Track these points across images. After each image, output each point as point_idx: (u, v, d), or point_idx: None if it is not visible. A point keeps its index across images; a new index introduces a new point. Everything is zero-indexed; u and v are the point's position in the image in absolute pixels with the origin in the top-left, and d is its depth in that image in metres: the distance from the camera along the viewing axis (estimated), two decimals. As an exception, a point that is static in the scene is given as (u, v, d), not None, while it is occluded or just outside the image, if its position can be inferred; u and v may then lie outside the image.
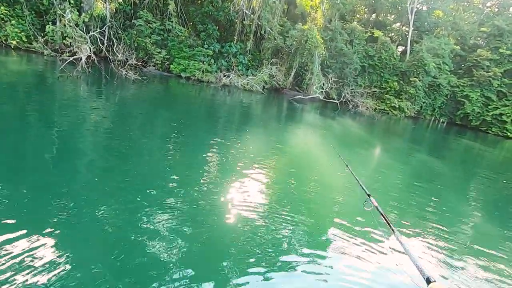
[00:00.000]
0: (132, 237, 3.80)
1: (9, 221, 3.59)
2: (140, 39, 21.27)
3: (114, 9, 20.32)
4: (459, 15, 37.50)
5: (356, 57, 29.64)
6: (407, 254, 0.65)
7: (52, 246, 3.35)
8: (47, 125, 7.53)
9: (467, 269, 4.76)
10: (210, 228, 4.41)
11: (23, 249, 3.21)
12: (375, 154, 12.91)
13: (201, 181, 5.93)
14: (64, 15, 17.66)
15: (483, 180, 11.79)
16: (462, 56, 34.37)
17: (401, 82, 32.15)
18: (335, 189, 7.28)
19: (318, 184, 7.47)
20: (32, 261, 3.10)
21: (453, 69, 33.52)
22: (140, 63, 21.13)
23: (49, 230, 3.59)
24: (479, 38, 36.12)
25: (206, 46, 24.14)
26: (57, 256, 3.23)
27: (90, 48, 17.81)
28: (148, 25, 21.56)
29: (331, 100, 28.25)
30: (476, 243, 5.76)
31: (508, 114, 31.59)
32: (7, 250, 3.16)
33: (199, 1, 26.46)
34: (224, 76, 23.99)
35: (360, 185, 1.38)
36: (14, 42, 17.99)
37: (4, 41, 17.99)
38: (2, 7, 17.71)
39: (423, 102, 33.33)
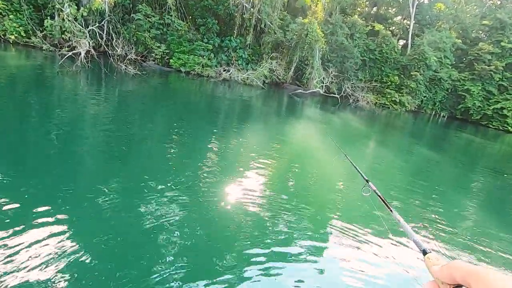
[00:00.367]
0: (133, 230, 3.84)
1: (9, 213, 3.61)
2: (139, 33, 21.14)
3: (113, 3, 20.15)
4: (461, 8, 37.14)
5: (356, 51, 29.46)
6: (404, 229, 0.67)
7: (52, 239, 3.38)
8: (48, 120, 7.53)
9: (462, 245, 4.81)
10: (211, 219, 4.44)
11: (22, 242, 3.24)
12: (375, 148, 12.91)
13: (202, 173, 5.95)
14: (63, 9, 17.53)
15: (483, 174, 11.81)
16: (463, 50, 34.14)
17: (402, 76, 32.01)
18: (335, 179, 7.31)
19: (318, 175, 7.49)
20: (36, 250, 3.13)
21: (454, 62, 33.33)
22: (139, 57, 21.03)
23: (50, 220, 3.62)
24: (481, 32, 35.84)
25: (205, 40, 24.00)
26: (57, 249, 3.26)
27: (89, 42, 17.72)
28: (147, 19, 21.39)
29: (331, 95, 28.16)
30: (475, 232, 5.82)
31: (509, 108, 31.49)
32: (5, 242, 3.19)
33: (198, -5, 26.24)
34: (224, 70, 23.89)
35: (358, 171, 1.39)
36: (13, 37, 17.89)
37: (2, 36, 17.90)
38: (0, 2, 17.58)
39: (424, 96, 33.22)
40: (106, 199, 4.36)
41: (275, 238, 4.32)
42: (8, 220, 3.50)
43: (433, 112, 35.26)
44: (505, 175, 12.19)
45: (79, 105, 9.62)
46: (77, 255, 3.25)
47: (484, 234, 5.99)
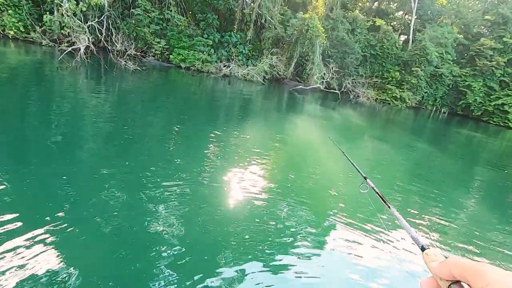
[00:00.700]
0: (134, 225, 3.85)
1: (9, 210, 3.63)
2: (139, 28, 21.02)
3: (112, -2, 20.04)
4: (463, 2, 36.86)
5: (357, 47, 29.31)
6: (402, 225, 0.67)
7: (52, 235, 3.39)
8: (48, 116, 7.52)
9: (461, 241, 4.83)
10: (211, 215, 4.46)
11: (24, 240, 3.26)
12: (375, 144, 12.89)
13: (202, 169, 5.96)
14: (62, 4, 17.41)
15: (484, 170, 11.81)
16: (465, 45, 33.94)
17: (403, 72, 31.88)
18: (335, 175, 7.32)
19: (317, 171, 7.49)
20: (33, 246, 3.15)
21: (455, 58, 33.17)
22: (139, 53, 20.94)
23: (50, 218, 3.63)
24: (483, 27, 35.60)
25: (205, 35, 23.87)
26: (56, 245, 3.28)
27: (88, 38, 17.63)
28: (147, 14, 21.25)
29: (332, 91, 28.08)
30: (475, 228, 5.84)
31: (510, 104, 31.41)
32: (5, 239, 3.20)
33: (198, -10, 26.02)
34: (224, 66, 23.80)
35: (356, 168, 1.38)
36: (12, 32, 17.81)
37: (1, 31, 17.82)
38: (-2, -3, 17.48)
39: (425, 92, 33.11)
40: (106, 192, 4.37)
41: (274, 232, 4.34)
42: (2, 219, 3.52)
43: (434, 108, 35.17)
44: (506, 171, 12.19)
45: (79, 101, 9.61)
46: (75, 253, 3.27)
47: (484, 229, 6.01)
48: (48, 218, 3.64)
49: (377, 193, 0.87)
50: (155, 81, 16.78)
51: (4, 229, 3.31)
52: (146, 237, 3.70)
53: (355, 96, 29.05)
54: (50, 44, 17.97)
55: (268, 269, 3.60)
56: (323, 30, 25.67)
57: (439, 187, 8.14)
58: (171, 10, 22.32)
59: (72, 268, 3.03)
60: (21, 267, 2.91)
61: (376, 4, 37.80)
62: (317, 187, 6.60)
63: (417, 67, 30.92)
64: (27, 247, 3.14)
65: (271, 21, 25.74)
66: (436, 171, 10.29)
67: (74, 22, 17.63)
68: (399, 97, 31.18)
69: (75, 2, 17.75)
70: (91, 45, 17.26)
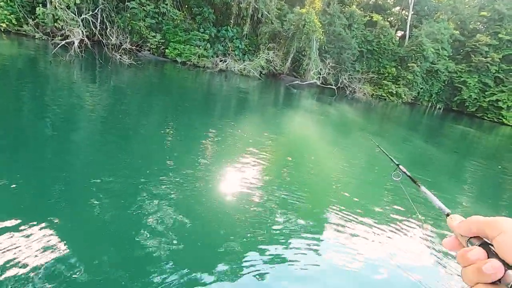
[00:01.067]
0: (129, 220, 3.85)
1: (4, 204, 3.60)
2: (134, 22, 20.75)
3: (106, -9, 19.71)
4: (460, -2, 36.92)
5: (354, 42, 29.28)
6: (430, 198, 0.73)
7: (48, 231, 3.38)
8: (41, 110, 7.44)
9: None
10: (209, 208, 4.47)
11: (19, 235, 3.24)
12: (371, 141, 12.96)
13: (198, 164, 5.95)
14: (55, -4, 17.12)
15: (477, 165, 11.95)
16: (461, 41, 34.09)
17: (399, 67, 31.97)
18: (332, 170, 7.36)
19: (315, 166, 7.53)
20: (29, 241, 3.14)
21: (451, 54, 33.32)
22: (134, 47, 20.68)
23: (45, 212, 3.61)
24: (479, 23, 35.74)
25: (202, 30, 23.65)
26: (53, 241, 3.27)
27: (82, 31, 17.37)
28: (142, 7, 20.97)
29: (328, 86, 28.08)
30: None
31: (504, 100, 31.71)
32: (2, 233, 3.19)
33: (194, -17, 25.70)
34: (220, 61, 23.64)
35: (388, 155, 1.43)
36: (4, 25, 17.49)
37: (-7, 24, 17.50)
38: (-10, -12, 17.12)
39: (421, 88, 33.29)
40: (101, 188, 4.36)
41: (272, 225, 4.37)
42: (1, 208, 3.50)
43: (429, 104, 35.41)
44: (499, 167, 12.35)
45: (73, 95, 9.50)
46: (72, 250, 3.27)
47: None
48: (42, 211, 3.63)
49: (409, 176, 0.94)
50: (150, 76, 16.64)
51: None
52: (142, 228, 3.70)
53: (352, 92, 29.10)
54: (43, 38, 17.69)
55: (268, 260, 3.63)
56: (320, 25, 25.57)
57: (435, 182, 8.23)
58: (166, 4, 22.03)
59: (69, 260, 3.03)
60: (19, 257, 2.90)
61: (373, -1, 37.72)
62: (316, 181, 6.63)
63: (413, 63, 31.01)
64: (20, 240, 3.13)
65: (268, 15, 25.56)
66: (430, 166, 10.40)
67: (68, 15, 17.35)
68: (395, 92, 31.31)
69: (68, -6, 17.46)
70: (85, 39, 17.02)
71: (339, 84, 28.86)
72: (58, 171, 4.65)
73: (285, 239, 4.17)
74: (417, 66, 30.89)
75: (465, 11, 35.55)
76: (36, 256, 3.00)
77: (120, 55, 17.10)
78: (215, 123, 9.73)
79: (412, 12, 34.50)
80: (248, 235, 4.10)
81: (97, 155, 5.62)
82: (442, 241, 0.57)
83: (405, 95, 31.64)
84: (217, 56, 23.94)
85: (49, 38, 17.30)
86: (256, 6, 24.72)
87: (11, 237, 3.15)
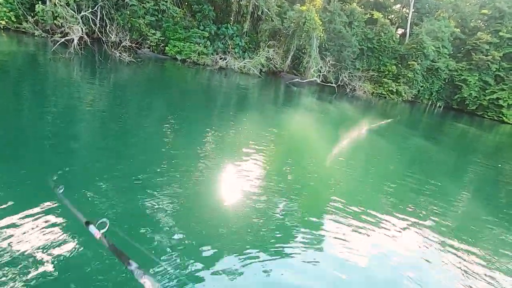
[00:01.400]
0: (129, 218, 3.86)
1: (3, 202, 3.61)
2: (134, 19, 20.64)
3: (106, -12, 19.57)
4: (461, -4, 36.76)
5: (354, 40, 29.17)
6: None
7: (48, 230, 3.39)
8: (41, 107, 7.42)
9: (453, 234, 4.92)
10: (209, 206, 4.48)
11: (18, 231, 3.25)
12: (371, 138, 12.96)
13: (197, 162, 5.95)
14: (54, -7, 17.02)
15: (477, 164, 11.95)
16: (461, 39, 33.99)
17: (400, 65, 31.88)
18: (331, 170, 7.36)
19: (314, 164, 7.54)
20: (30, 238, 3.15)
21: (452, 52, 33.23)
22: (134, 44, 20.62)
23: (43, 210, 3.62)
24: (479, 21, 35.61)
25: (202, 27, 23.56)
26: (52, 240, 3.28)
27: (82, 28, 17.31)
28: (142, 5, 20.84)
29: (328, 84, 28.03)
30: (467, 220, 5.95)
31: (504, 99, 31.66)
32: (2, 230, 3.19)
33: (194, -20, 25.55)
34: (220, 58, 23.57)
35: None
36: (3, 22, 17.39)
37: (-8, 21, 17.40)
38: (-12, -15, 17.02)
39: (421, 86, 33.23)
40: (100, 185, 4.36)
41: (271, 221, 4.38)
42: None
43: (430, 102, 35.36)
44: (499, 165, 12.36)
45: (73, 92, 9.47)
46: (72, 250, 3.27)
47: (477, 222, 6.12)
48: (41, 210, 3.63)
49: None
50: (150, 73, 16.60)
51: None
52: (140, 224, 3.71)
53: (352, 90, 29.05)
54: (43, 35, 17.60)
55: (267, 256, 3.64)
56: (320, 22, 25.47)
57: (434, 180, 8.22)
58: (166, 1, 21.91)
59: (70, 260, 3.04)
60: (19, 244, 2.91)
61: (373, -4, 37.53)
62: (313, 182, 6.63)
63: (413, 60, 30.93)
64: (19, 238, 3.14)
65: (268, 13, 25.44)
66: (430, 164, 10.40)
67: (67, 12, 17.27)
68: (395, 91, 31.25)
69: (68, -9, 17.36)
70: (85, 36, 16.96)
71: (339, 82, 28.81)
72: (57, 166, 4.64)
73: (285, 235, 4.19)
74: (418, 64, 30.81)
75: (466, 9, 35.41)
76: (36, 256, 3.01)
77: (120, 53, 17.03)
78: (215, 121, 9.72)
79: (413, 10, 34.37)
80: (248, 230, 4.11)
81: (96, 152, 5.62)
82: None
83: (405, 93, 31.58)
84: (217, 54, 23.86)
85: (48, 35, 17.22)
86: (256, 3, 24.60)
87: (11, 236, 3.16)
